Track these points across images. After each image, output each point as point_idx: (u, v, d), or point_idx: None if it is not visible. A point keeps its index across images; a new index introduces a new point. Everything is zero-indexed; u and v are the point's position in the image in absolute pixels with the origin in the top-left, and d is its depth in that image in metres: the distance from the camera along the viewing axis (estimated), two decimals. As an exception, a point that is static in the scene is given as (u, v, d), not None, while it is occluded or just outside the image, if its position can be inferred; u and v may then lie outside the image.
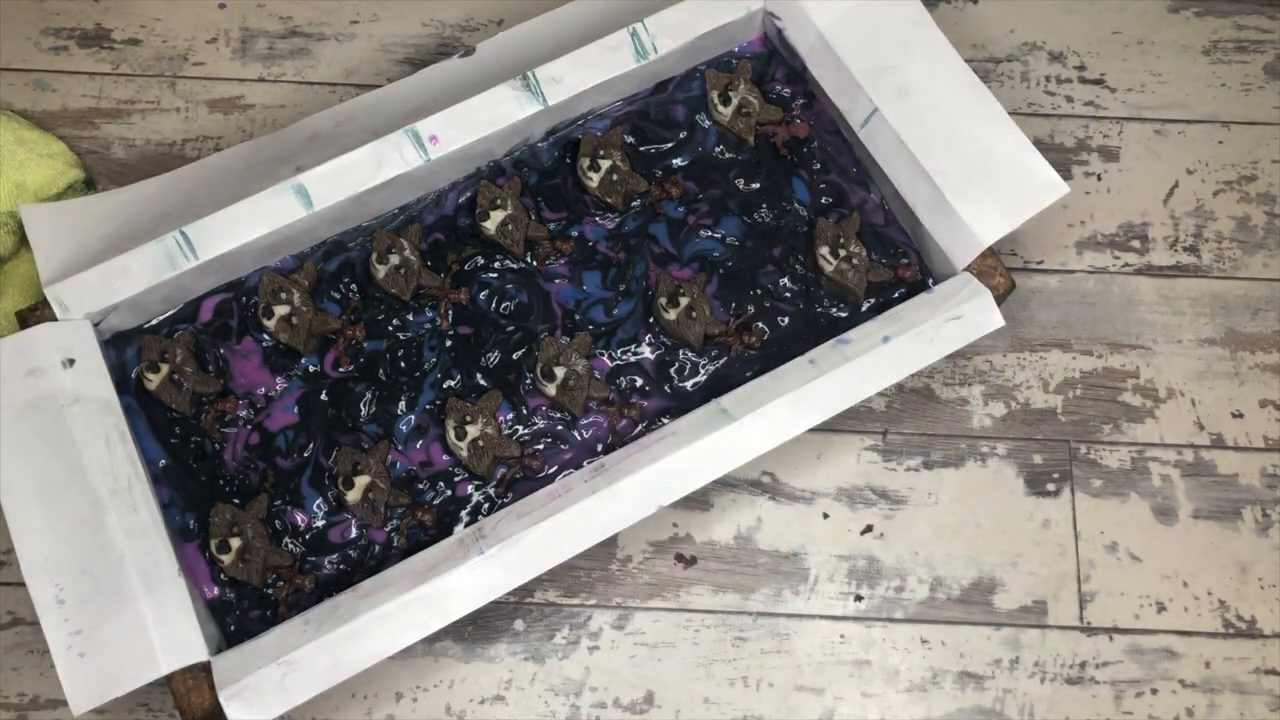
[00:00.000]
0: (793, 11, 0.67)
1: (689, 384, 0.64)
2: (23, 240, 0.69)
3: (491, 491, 0.62)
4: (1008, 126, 0.63)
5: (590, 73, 0.65)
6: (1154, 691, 0.64)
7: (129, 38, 0.75)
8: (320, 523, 0.61)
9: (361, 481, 0.61)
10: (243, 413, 0.62)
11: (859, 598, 0.65)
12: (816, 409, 0.59)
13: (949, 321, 0.61)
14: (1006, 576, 0.66)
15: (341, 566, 0.61)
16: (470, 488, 0.62)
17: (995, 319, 0.62)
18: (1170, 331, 0.70)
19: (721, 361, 0.64)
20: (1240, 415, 0.69)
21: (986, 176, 0.63)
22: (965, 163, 0.63)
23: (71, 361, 0.59)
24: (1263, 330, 0.70)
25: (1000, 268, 0.63)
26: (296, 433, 0.62)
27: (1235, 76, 0.76)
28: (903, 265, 0.65)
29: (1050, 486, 0.67)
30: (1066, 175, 0.74)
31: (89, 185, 0.71)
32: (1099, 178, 0.74)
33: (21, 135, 0.70)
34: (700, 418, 0.60)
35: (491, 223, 0.64)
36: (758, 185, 0.67)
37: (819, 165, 0.68)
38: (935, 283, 0.65)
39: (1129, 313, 0.71)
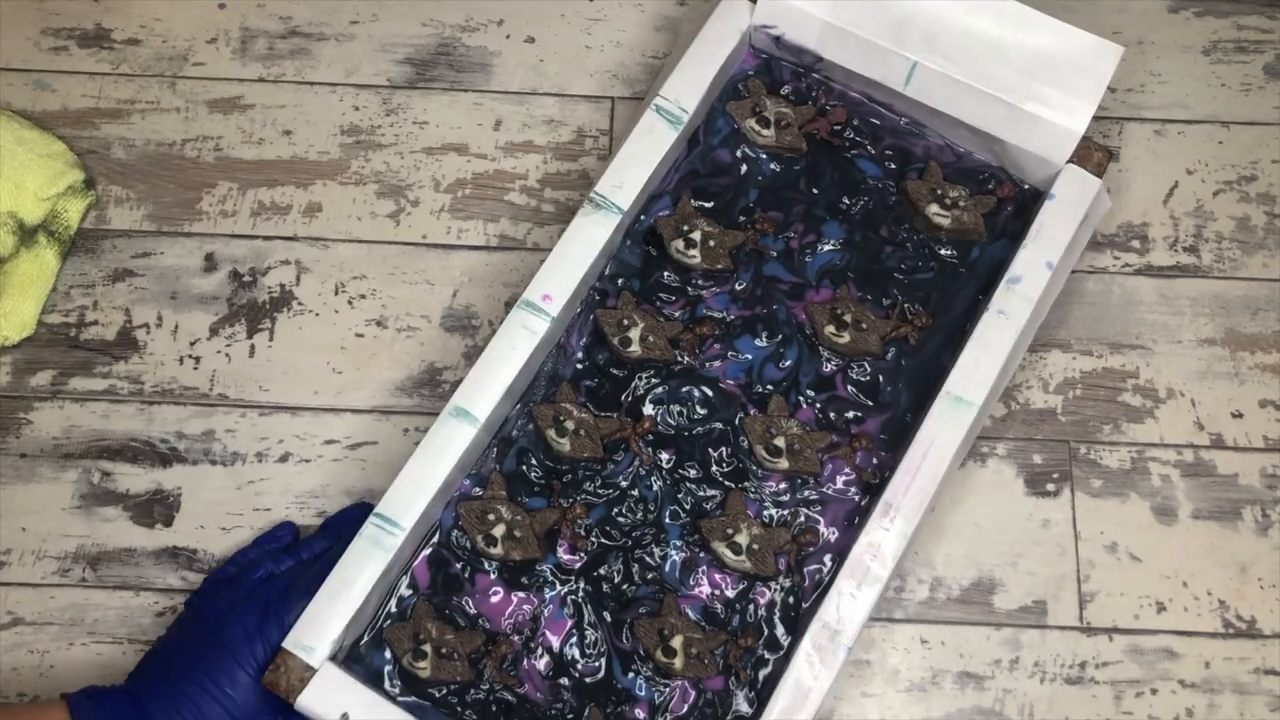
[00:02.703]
0: (786, 15, 0.67)
1: (891, 389, 0.64)
2: (23, 240, 0.69)
3: (787, 583, 0.61)
4: (1039, 20, 0.65)
5: (645, 165, 0.65)
6: (1154, 691, 0.64)
7: (129, 38, 0.75)
8: (659, 704, 0.59)
9: (678, 642, 0.59)
10: (519, 646, 0.60)
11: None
12: (1019, 357, 0.63)
13: (1082, 226, 0.64)
14: (1006, 576, 0.66)
15: None
16: (767, 590, 0.61)
17: (1106, 201, 0.65)
18: (1170, 332, 0.70)
19: (905, 354, 0.64)
20: (1240, 415, 0.69)
21: (1047, 69, 0.64)
22: (1022, 70, 0.64)
23: (346, 717, 0.56)
24: (1263, 330, 0.70)
25: (1092, 142, 0.65)
26: (580, 636, 0.60)
27: (1235, 77, 0.76)
28: (999, 186, 0.67)
29: (1050, 487, 0.67)
30: (1066, 175, 0.74)
31: (89, 185, 0.71)
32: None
33: (21, 135, 0.70)
34: (940, 419, 0.60)
35: (635, 345, 0.64)
36: (830, 182, 0.68)
37: (869, 139, 0.68)
38: (1034, 189, 0.67)
39: (1129, 313, 0.71)
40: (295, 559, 0.62)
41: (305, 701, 0.55)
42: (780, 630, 0.60)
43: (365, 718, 0.55)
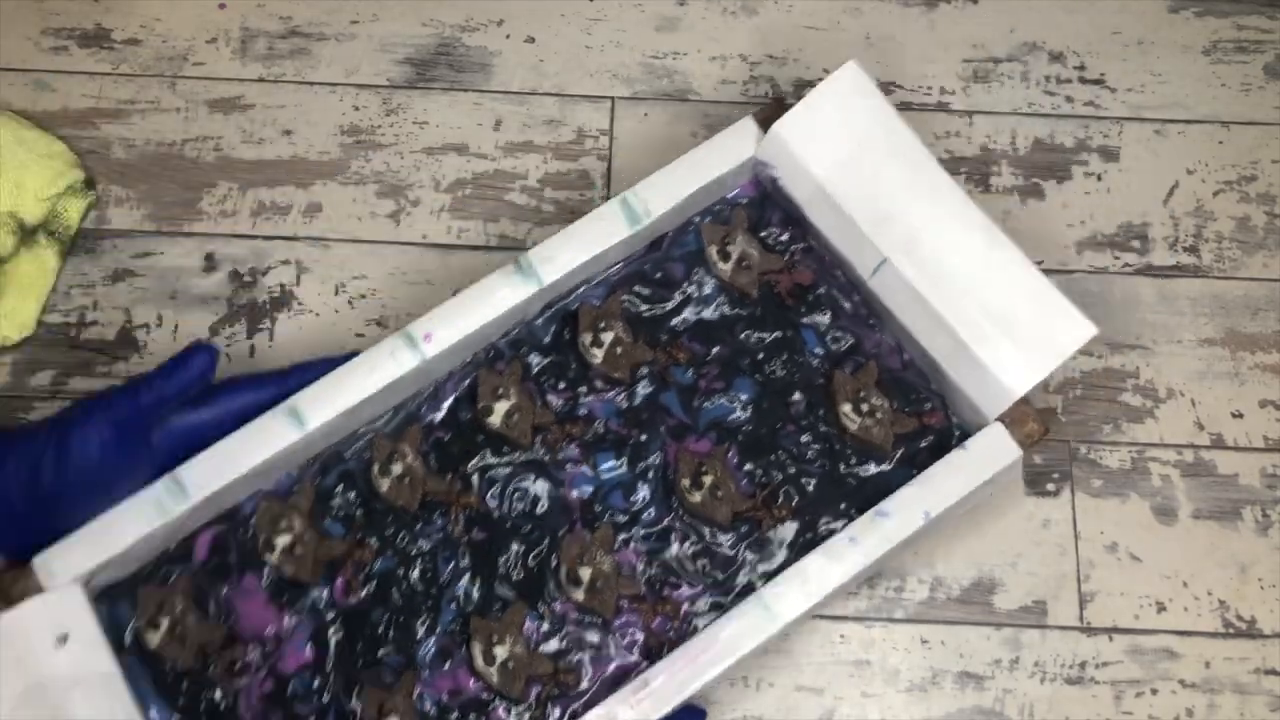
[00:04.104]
0: (786, 161, 0.63)
1: (721, 568, 0.60)
2: (23, 240, 0.69)
3: (526, 714, 0.58)
4: (1025, 268, 0.60)
5: (584, 248, 0.62)
6: (1154, 692, 0.64)
7: (129, 38, 0.75)
8: None
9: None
10: (253, 657, 0.58)
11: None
12: (844, 590, 0.58)
13: (981, 488, 0.59)
14: (1006, 576, 0.66)
15: None
16: (504, 711, 0.58)
17: (1018, 476, 0.64)
18: (1170, 331, 0.70)
19: (753, 537, 0.60)
20: (1240, 415, 0.69)
21: (1010, 322, 0.59)
22: (986, 310, 0.60)
23: (65, 638, 0.54)
24: (1263, 330, 0.70)
25: (1032, 412, 0.59)
26: (313, 674, 0.58)
27: (1235, 76, 0.76)
28: (927, 412, 0.62)
29: (1050, 486, 0.67)
30: (1066, 175, 0.74)
31: (89, 185, 0.71)
32: (1099, 178, 0.74)
33: (21, 135, 0.70)
34: (744, 621, 0.56)
35: (496, 416, 0.61)
36: (767, 339, 0.64)
37: (828, 312, 0.64)
38: (962, 428, 0.62)
39: (1129, 313, 0.71)
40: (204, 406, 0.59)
41: (25, 611, 0.54)
42: None
43: (81, 652, 0.54)
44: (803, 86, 0.75)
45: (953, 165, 0.73)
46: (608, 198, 0.72)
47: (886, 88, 0.75)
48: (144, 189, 0.72)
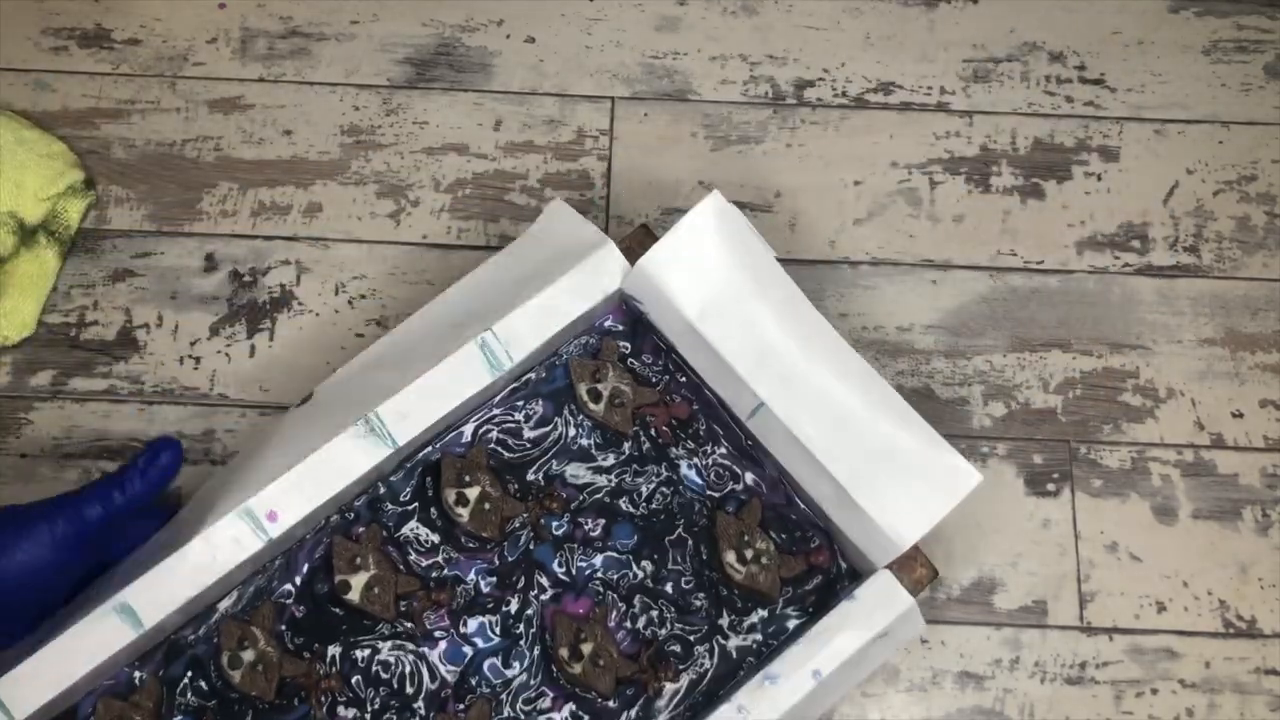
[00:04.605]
0: (654, 297, 0.60)
1: None
2: (23, 240, 0.69)
3: None
4: (903, 412, 0.59)
5: (440, 401, 0.59)
6: (1154, 692, 0.64)
7: (129, 38, 0.75)
8: None
9: None
10: None
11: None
12: None
13: (876, 640, 0.57)
14: (1006, 576, 0.66)
15: None
16: None
17: (919, 628, 0.59)
18: (1170, 331, 0.70)
19: (640, 703, 0.58)
20: (1240, 415, 0.69)
21: (894, 469, 0.58)
22: (867, 455, 0.58)
23: None
24: (1263, 330, 0.70)
25: (920, 557, 0.59)
26: None
27: (1235, 76, 0.76)
28: (814, 549, 0.61)
29: (1050, 486, 0.67)
30: (1066, 175, 0.74)
31: (89, 185, 0.71)
32: (1099, 178, 0.74)
33: (21, 135, 0.70)
34: None
35: (355, 591, 0.58)
36: (646, 481, 0.61)
37: (707, 447, 0.62)
38: (851, 568, 0.61)
39: (1129, 313, 0.71)
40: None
41: None
42: None
43: None
44: (803, 87, 0.75)
45: (953, 165, 0.73)
46: (607, 198, 0.72)
47: (886, 88, 0.75)
48: (144, 189, 0.72)
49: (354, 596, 0.58)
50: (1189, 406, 0.69)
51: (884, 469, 0.58)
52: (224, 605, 0.58)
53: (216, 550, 0.56)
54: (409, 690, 0.58)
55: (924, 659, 0.64)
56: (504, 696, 0.58)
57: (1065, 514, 0.67)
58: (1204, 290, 0.71)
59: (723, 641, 0.59)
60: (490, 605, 0.59)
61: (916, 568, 0.59)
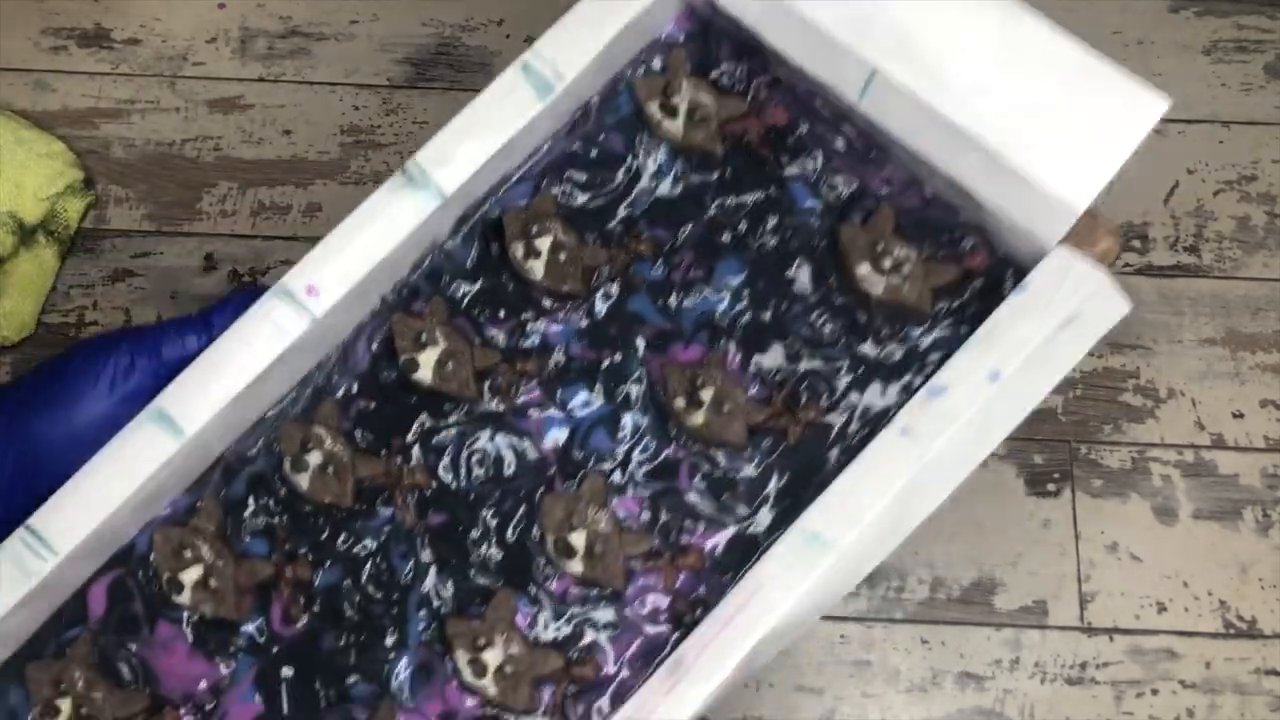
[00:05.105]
0: None
1: (747, 498, 0.48)
2: (22, 240, 0.69)
3: None
4: (1058, 42, 0.46)
5: (486, 138, 0.48)
6: (1154, 692, 0.64)
7: (129, 38, 0.75)
8: None
9: None
10: None
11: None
12: (932, 501, 0.44)
13: (1064, 327, 0.44)
14: (1007, 577, 0.66)
15: None
16: None
17: (1120, 305, 0.45)
18: (1170, 331, 0.70)
19: (778, 453, 0.48)
20: (1241, 415, 0.69)
21: (1051, 115, 0.45)
22: (1017, 106, 0.45)
23: None
24: (1263, 330, 0.70)
25: (1103, 223, 0.45)
26: None
27: (1235, 76, 0.76)
28: (967, 253, 0.48)
29: (1050, 487, 0.67)
30: (1067, 175, 0.73)
31: (89, 185, 0.71)
32: (1099, 178, 0.74)
33: (21, 135, 0.70)
34: (787, 558, 0.43)
35: (425, 370, 0.49)
36: (747, 204, 0.50)
37: (816, 154, 0.50)
38: (1014, 263, 0.47)
39: (1129, 312, 0.71)
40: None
41: None
42: None
43: None
44: None
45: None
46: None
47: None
48: (144, 189, 0.72)
49: (425, 375, 0.49)
50: (1189, 406, 0.69)
51: (1039, 117, 0.45)
52: (280, 410, 0.49)
53: (254, 339, 0.46)
54: (507, 474, 0.49)
55: (924, 659, 0.64)
56: (618, 466, 0.49)
57: (1065, 514, 0.67)
58: (1204, 290, 0.71)
59: (868, 371, 0.48)
60: (586, 369, 0.50)
61: (1099, 237, 0.45)
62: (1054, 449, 0.68)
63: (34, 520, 0.45)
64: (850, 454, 0.46)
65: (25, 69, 0.74)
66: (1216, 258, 0.72)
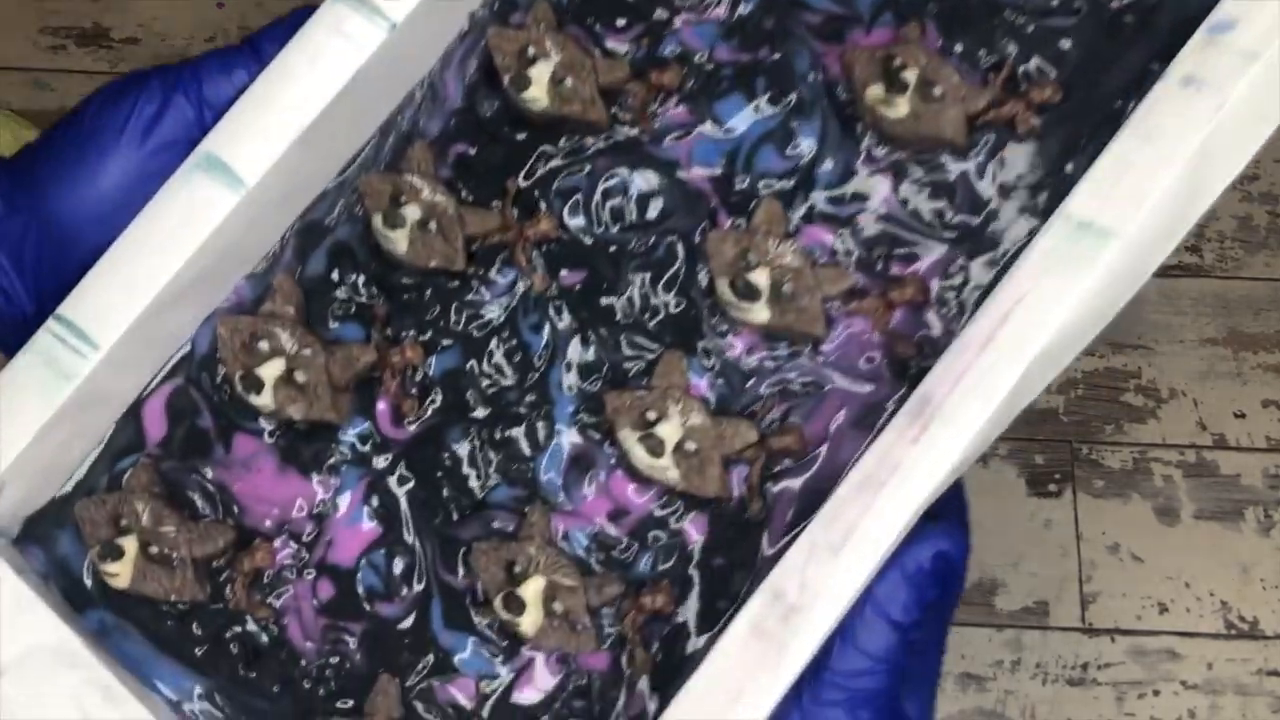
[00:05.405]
0: None
1: (971, 207, 0.37)
2: (21, 240, 0.69)
3: (738, 512, 0.37)
4: None
5: None
6: (1156, 693, 0.64)
7: (127, 37, 0.75)
8: (498, 684, 0.36)
9: (533, 590, 0.35)
10: (287, 556, 0.37)
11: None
12: (1228, 169, 0.35)
13: None
14: (1008, 577, 0.66)
15: None
16: (704, 520, 0.36)
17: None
18: (1172, 331, 0.70)
19: (1006, 146, 0.37)
20: (1242, 415, 0.69)
21: None
22: None
23: None
24: (1265, 330, 0.70)
25: None
26: (388, 554, 0.37)
27: (1237, 75, 0.76)
28: None
29: (1052, 487, 0.67)
30: (1068, 174, 0.73)
31: (87, 185, 0.71)
32: (1101, 177, 0.74)
33: (20, 134, 0.70)
34: (1055, 253, 0.34)
35: (537, 89, 0.39)
36: None
37: None
38: None
39: (1131, 312, 0.71)
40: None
41: None
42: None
43: (9, 628, 0.34)
44: None
45: (954, 164, 0.73)
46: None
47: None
48: (143, 188, 0.72)
49: (538, 96, 0.39)
50: (1191, 407, 0.69)
51: None
52: (355, 170, 0.40)
53: (319, 57, 0.37)
54: (653, 215, 0.39)
55: (925, 660, 0.64)
56: (796, 188, 0.39)
57: (1067, 514, 0.67)
58: (1206, 290, 0.71)
59: (1115, 48, 0.38)
60: (740, 74, 0.40)
61: None
62: (1055, 449, 0.68)
63: (65, 308, 0.36)
64: (1095, 138, 0.36)
65: (24, 68, 0.74)
66: (1218, 257, 0.72)
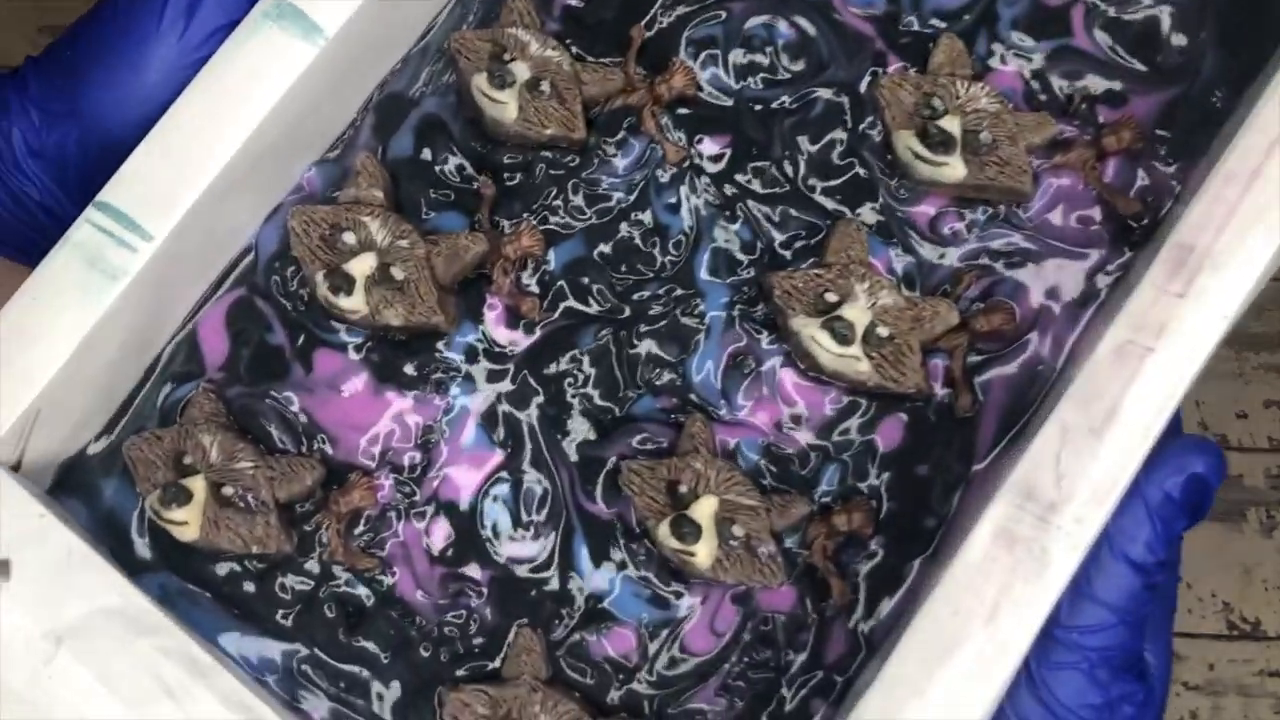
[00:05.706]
0: None
1: (1191, 38, 0.32)
2: (19, 240, 0.69)
3: (944, 412, 0.30)
4: None
5: None
6: (1157, 694, 0.64)
7: (126, 36, 0.75)
8: (665, 633, 0.29)
9: (706, 511, 0.28)
10: (389, 494, 0.30)
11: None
12: None
13: None
14: (1009, 578, 0.66)
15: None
16: (902, 421, 0.30)
17: None
18: (1174, 331, 0.70)
19: None
20: (1244, 416, 0.68)
21: None
22: None
23: (6, 568, 0.27)
24: (1268, 330, 0.70)
25: None
26: (514, 486, 0.31)
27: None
28: None
29: (1053, 487, 0.67)
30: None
31: (86, 184, 0.71)
32: (1102, 176, 0.73)
33: (18, 134, 0.70)
34: None
35: None
36: None
37: None
38: None
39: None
40: None
41: None
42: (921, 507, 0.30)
43: (38, 590, 0.27)
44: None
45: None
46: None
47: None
48: (141, 188, 0.72)
49: None
50: (1192, 407, 0.69)
51: None
52: (435, 39, 0.33)
53: None
54: (806, 65, 0.33)
55: (926, 661, 0.64)
56: (978, 22, 0.33)
57: (1068, 515, 0.67)
58: (1208, 290, 0.71)
59: None
60: None
61: None
62: (1057, 450, 0.68)
63: (108, 193, 0.28)
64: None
65: (22, 67, 0.74)
66: (1220, 257, 0.72)
